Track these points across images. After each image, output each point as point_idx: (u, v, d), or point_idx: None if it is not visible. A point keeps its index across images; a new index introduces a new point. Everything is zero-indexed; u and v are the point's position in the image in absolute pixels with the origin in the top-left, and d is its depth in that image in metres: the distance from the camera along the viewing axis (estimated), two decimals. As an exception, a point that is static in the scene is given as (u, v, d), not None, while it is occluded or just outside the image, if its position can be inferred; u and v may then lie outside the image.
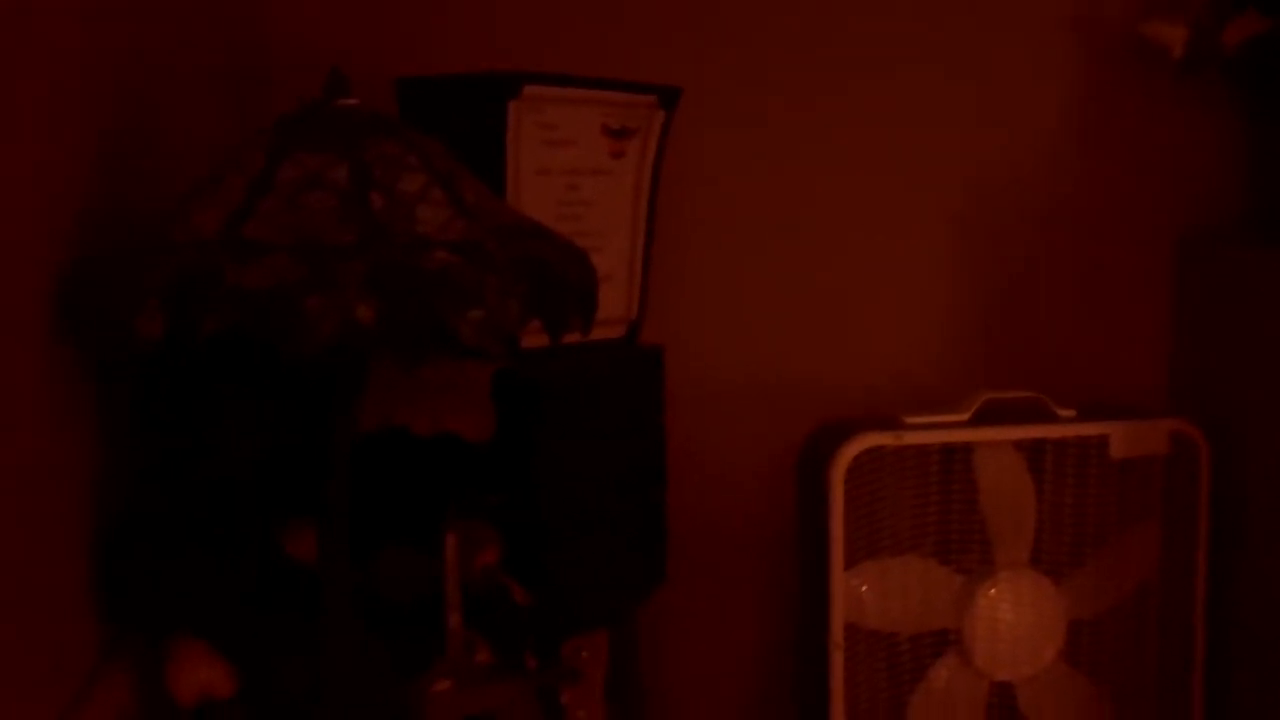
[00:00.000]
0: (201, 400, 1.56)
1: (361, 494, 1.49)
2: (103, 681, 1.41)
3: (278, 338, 1.25)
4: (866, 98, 2.23)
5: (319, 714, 1.41)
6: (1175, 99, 2.27)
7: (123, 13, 1.58)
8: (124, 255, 1.33)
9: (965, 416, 2.08)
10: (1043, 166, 2.28)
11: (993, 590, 2.07)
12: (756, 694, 2.30)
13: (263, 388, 1.58)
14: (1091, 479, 2.12)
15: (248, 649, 1.44)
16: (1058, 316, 2.31)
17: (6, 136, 1.25)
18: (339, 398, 1.46)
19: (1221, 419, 2.13)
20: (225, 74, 2.04)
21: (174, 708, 1.40)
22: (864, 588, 2.05)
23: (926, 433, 2.06)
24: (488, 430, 1.67)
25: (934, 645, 2.09)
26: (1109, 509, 2.13)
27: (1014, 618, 2.08)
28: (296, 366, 1.37)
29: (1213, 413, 2.15)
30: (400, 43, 2.10)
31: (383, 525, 1.60)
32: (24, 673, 1.27)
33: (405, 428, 1.68)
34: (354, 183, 1.34)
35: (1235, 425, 2.10)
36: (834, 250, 2.25)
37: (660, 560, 1.99)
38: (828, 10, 2.21)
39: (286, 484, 1.57)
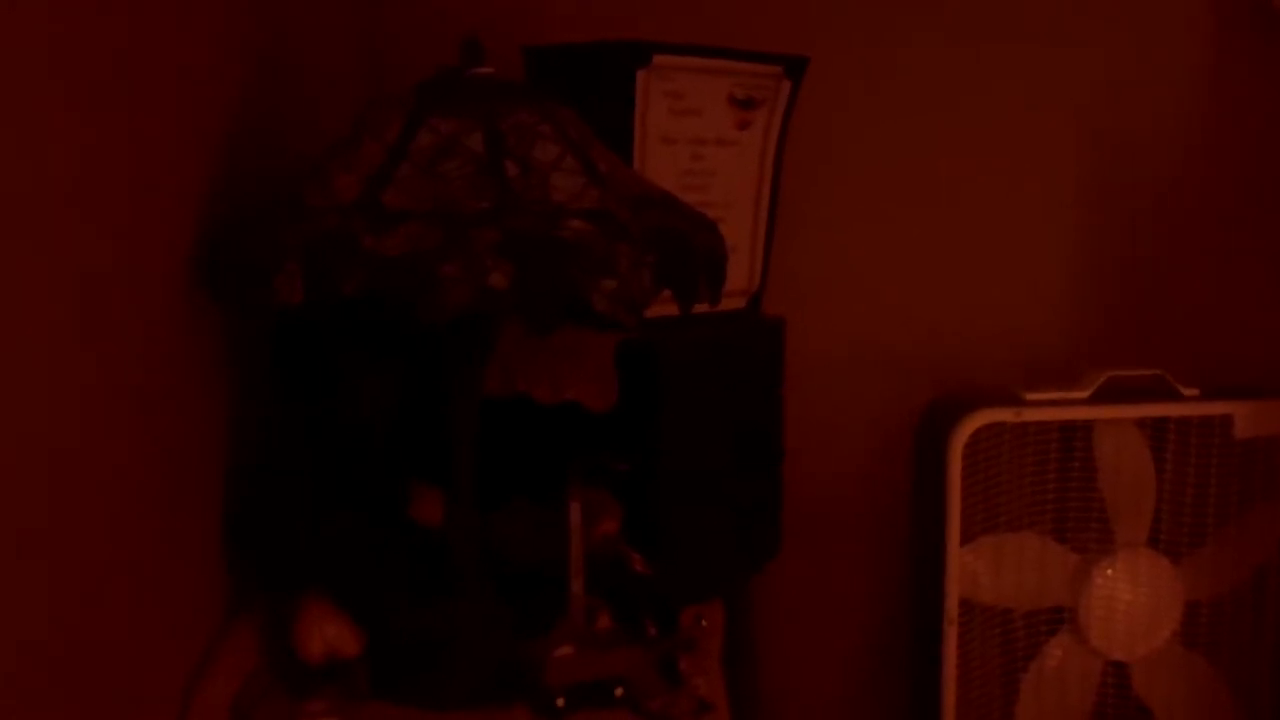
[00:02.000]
0: (335, 361, 1.59)
1: (486, 459, 1.51)
2: (230, 639, 1.44)
3: (412, 303, 1.27)
4: (990, 67, 2.21)
5: (443, 673, 1.44)
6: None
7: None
8: (264, 217, 1.35)
9: (1086, 394, 2.06)
10: (1169, 137, 2.24)
11: (1110, 569, 2.06)
12: (869, 666, 2.30)
13: (394, 351, 1.60)
14: (1214, 459, 2.09)
15: (374, 608, 1.46)
16: (1182, 291, 2.27)
17: (150, 95, 1.28)
18: (467, 363, 1.48)
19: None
20: (359, 38, 2.06)
21: (301, 665, 1.42)
22: (980, 563, 2.04)
23: (1047, 409, 2.04)
24: (610, 400, 1.68)
25: (1049, 623, 2.08)
26: (1230, 489, 2.10)
27: (1131, 597, 2.06)
28: (428, 331, 1.39)
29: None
30: (528, 10, 2.11)
31: (506, 491, 1.62)
32: (155, 630, 1.30)
33: (528, 395, 1.69)
34: (489, 150, 1.35)
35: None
36: (955, 221, 2.23)
37: (776, 531, 2.00)
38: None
39: (413, 448, 1.60)
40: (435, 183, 1.32)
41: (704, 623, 1.56)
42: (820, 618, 2.28)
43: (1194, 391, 2.09)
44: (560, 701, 1.41)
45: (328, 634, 1.42)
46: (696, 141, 1.85)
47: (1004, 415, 2.02)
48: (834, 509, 2.24)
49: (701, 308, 1.46)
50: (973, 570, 2.04)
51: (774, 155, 1.95)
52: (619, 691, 1.44)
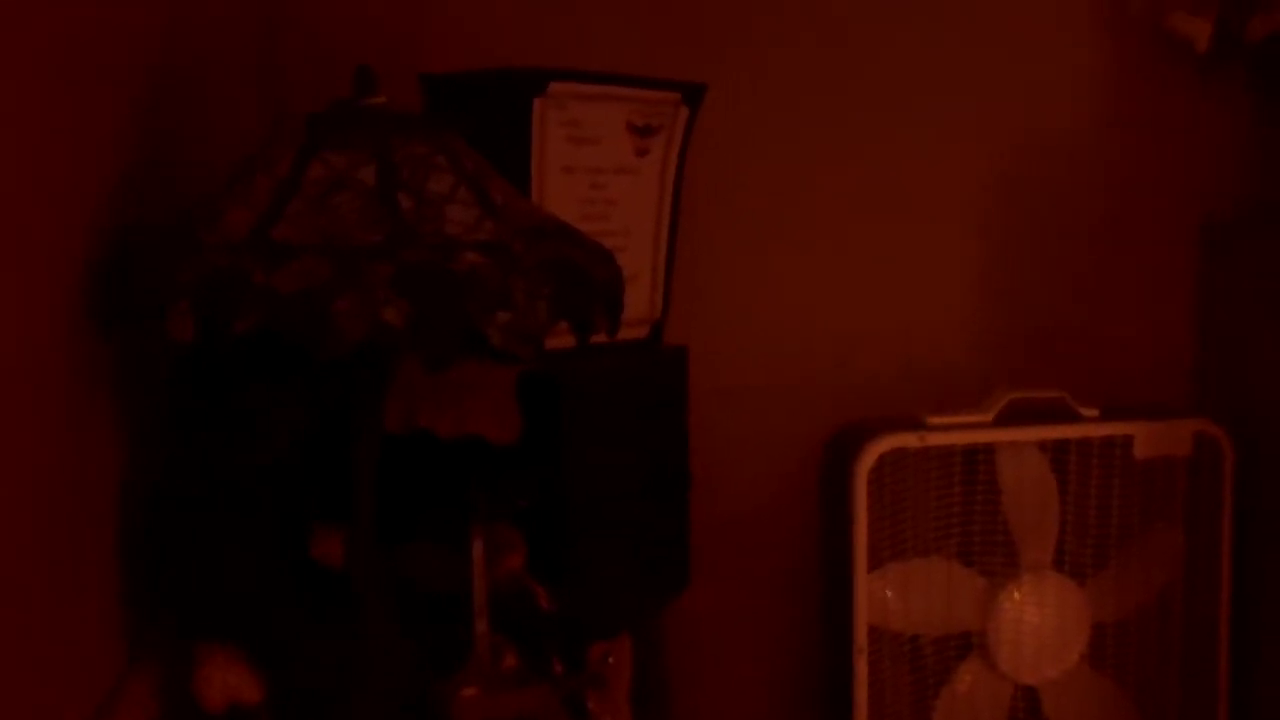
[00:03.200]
0: (234, 397, 1.55)
1: (389, 496, 1.48)
2: (128, 689, 1.39)
3: (306, 340, 1.24)
4: (892, 95, 2.21)
5: (348, 716, 1.40)
6: (1199, 90, 2.25)
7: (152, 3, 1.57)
8: (155, 254, 1.32)
9: (988, 417, 2.07)
10: (1065, 161, 2.27)
11: (1016, 593, 2.06)
12: (782, 696, 2.29)
13: (293, 386, 1.56)
14: (1115, 480, 2.11)
15: (276, 652, 1.43)
16: (1080, 312, 2.30)
17: (37, 129, 1.24)
18: (365, 398, 1.45)
19: (1246, 417, 2.11)
20: (252, 68, 2.03)
21: (202, 714, 1.39)
22: (888, 590, 2.04)
23: (950, 433, 2.05)
24: (512, 432, 1.66)
25: (958, 648, 2.08)
26: (1132, 510, 2.12)
27: (1038, 620, 2.06)
28: (324, 366, 1.36)
29: (1238, 411, 2.14)
30: (425, 38, 2.09)
31: (411, 528, 1.59)
32: (47, 680, 1.26)
33: (428, 430, 1.66)
34: (382, 183, 1.33)
35: (1260, 423, 2.09)
36: (857, 248, 2.24)
37: (684, 563, 1.98)
38: (851, 6, 2.20)
39: (313, 486, 1.56)
40: (327, 217, 1.30)
41: (611, 660, 1.53)
42: (732, 648, 2.26)
43: (1094, 412, 2.11)
44: (465, 743, 1.39)
45: (229, 681, 1.38)
46: (595, 170, 1.84)
47: (907, 440, 2.02)
48: (743, 538, 2.23)
49: (603, 337, 1.45)
50: (881, 597, 2.04)
51: (673, 182, 1.94)
52: (525, 732, 1.42)
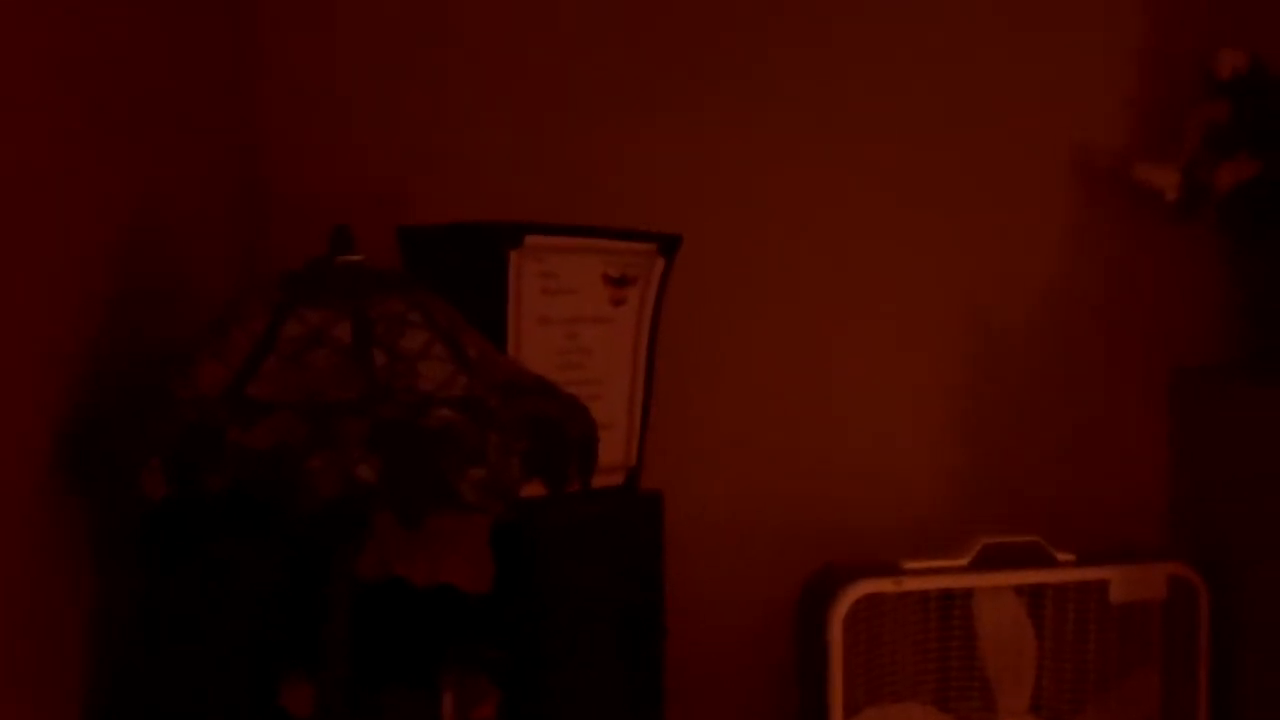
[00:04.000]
0: (203, 550, 1.56)
1: (361, 644, 1.48)
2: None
3: (280, 497, 1.26)
4: (864, 241, 2.25)
5: None
6: (1171, 239, 2.29)
7: (134, 160, 1.60)
8: (131, 409, 1.34)
9: (964, 562, 2.08)
10: (1040, 306, 2.30)
11: (993, 738, 2.06)
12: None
13: (267, 538, 1.57)
14: (1091, 624, 2.11)
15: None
16: (1055, 457, 2.32)
17: (15, 280, 1.27)
18: (339, 552, 1.46)
19: (1220, 560, 2.12)
20: (231, 223, 2.06)
21: None
22: (865, 735, 2.04)
23: (926, 578, 2.06)
24: (485, 582, 1.66)
25: (940, 795, 2.07)
26: (1109, 654, 2.12)
27: (1017, 767, 2.06)
28: (299, 518, 1.37)
29: (1212, 553, 2.15)
30: (406, 193, 2.12)
31: (383, 677, 1.59)
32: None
33: (403, 578, 1.67)
34: (357, 340, 1.35)
35: (1234, 566, 2.10)
36: (832, 395, 2.26)
37: (658, 712, 1.97)
38: (825, 155, 2.24)
39: (286, 636, 1.57)
40: (302, 373, 1.32)
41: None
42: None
43: (1070, 557, 2.12)
44: None
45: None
46: (571, 320, 1.87)
47: (883, 585, 2.03)
48: (719, 682, 2.22)
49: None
50: (859, 743, 2.03)
51: (649, 330, 1.97)
52: None
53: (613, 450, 1.90)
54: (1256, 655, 2.04)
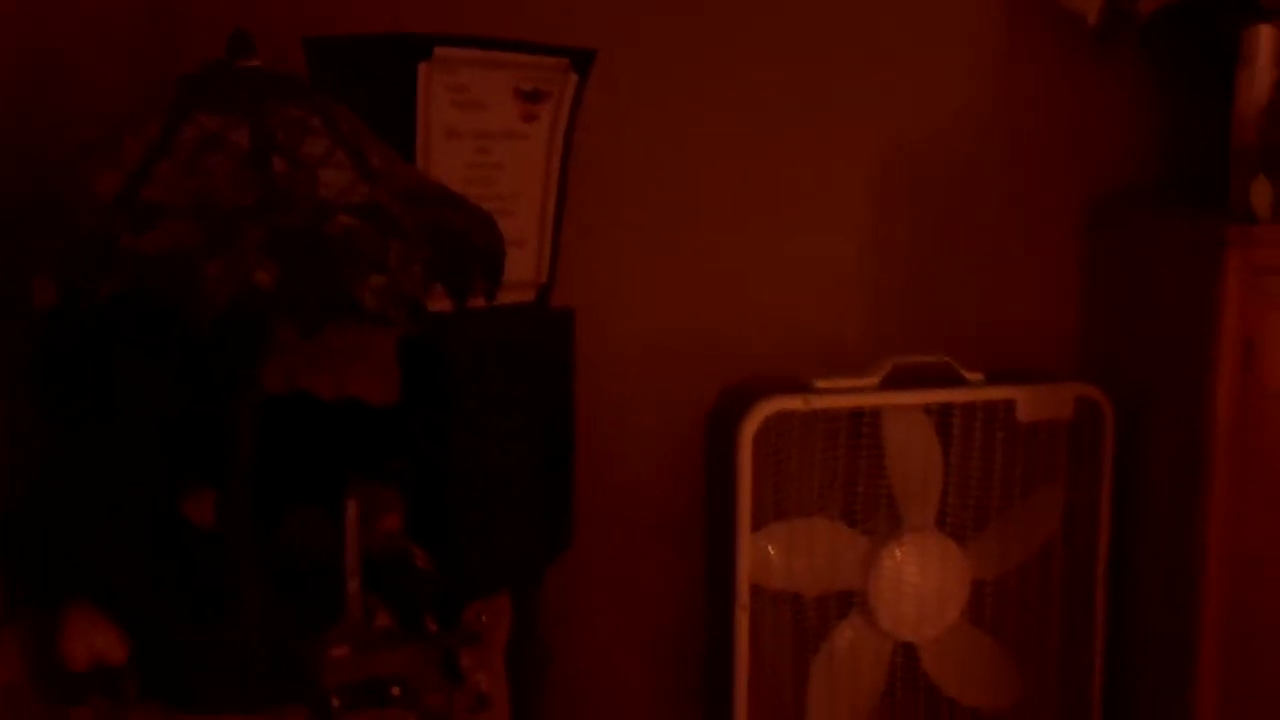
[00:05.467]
0: (103, 364, 1.55)
1: (265, 457, 1.49)
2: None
3: (175, 303, 1.24)
4: (782, 62, 2.23)
5: (215, 676, 1.41)
6: (1091, 67, 2.29)
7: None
8: (17, 218, 1.32)
9: (874, 381, 2.10)
10: (956, 133, 2.30)
11: (898, 552, 2.10)
12: (663, 654, 2.31)
13: (165, 350, 1.57)
14: (998, 442, 2.15)
15: (144, 612, 1.43)
16: (968, 280, 2.33)
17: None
18: (240, 362, 1.45)
19: (1126, 382, 2.16)
20: (130, 30, 2.01)
21: (67, 674, 1.39)
22: (771, 549, 2.07)
23: (835, 397, 2.08)
24: (391, 394, 1.67)
25: (839, 606, 2.12)
26: (1014, 471, 2.16)
27: (919, 579, 2.10)
28: (197, 330, 1.36)
29: (1118, 376, 2.18)
30: (311, 4, 2.07)
31: (286, 489, 1.60)
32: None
33: (309, 391, 1.67)
34: (255, 146, 1.33)
35: (1139, 388, 2.13)
36: (747, 214, 2.26)
37: (567, 524, 2.00)
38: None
39: (190, 448, 1.57)
40: (199, 179, 1.30)
41: (484, 618, 1.55)
42: (616, 606, 2.29)
43: (978, 376, 2.15)
44: (335, 702, 1.40)
45: (94, 642, 1.39)
46: (482, 135, 1.85)
47: (793, 403, 2.05)
48: (629, 498, 2.25)
49: (484, 301, 1.46)
50: (764, 556, 2.07)
51: (561, 148, 1.95)
52: (395, 690, 1.43)
53: (523, 267, 1.90)
54: (1157, 474, 2.09)
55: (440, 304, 1.39)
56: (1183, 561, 1.96)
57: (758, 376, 2.15)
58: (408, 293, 1.33)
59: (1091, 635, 2.18)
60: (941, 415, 2.13)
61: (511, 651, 1.60)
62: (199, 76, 1.39)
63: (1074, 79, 2.30)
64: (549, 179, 1.95)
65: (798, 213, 2.28)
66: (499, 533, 1.78)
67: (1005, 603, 2.18)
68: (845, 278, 2.30)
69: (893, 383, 2.10)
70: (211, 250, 1.25)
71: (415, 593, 1.53)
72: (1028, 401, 2.14)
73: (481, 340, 1.76)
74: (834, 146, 2.27)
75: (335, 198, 1.33)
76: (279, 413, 1.58)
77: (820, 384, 2.08)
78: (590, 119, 2.01)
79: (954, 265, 2.32)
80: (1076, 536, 2.19)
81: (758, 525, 2.05)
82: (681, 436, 2.24)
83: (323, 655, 1.41)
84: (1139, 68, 2.29)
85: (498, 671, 1.51)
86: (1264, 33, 1.93)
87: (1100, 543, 2.17)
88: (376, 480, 1.61)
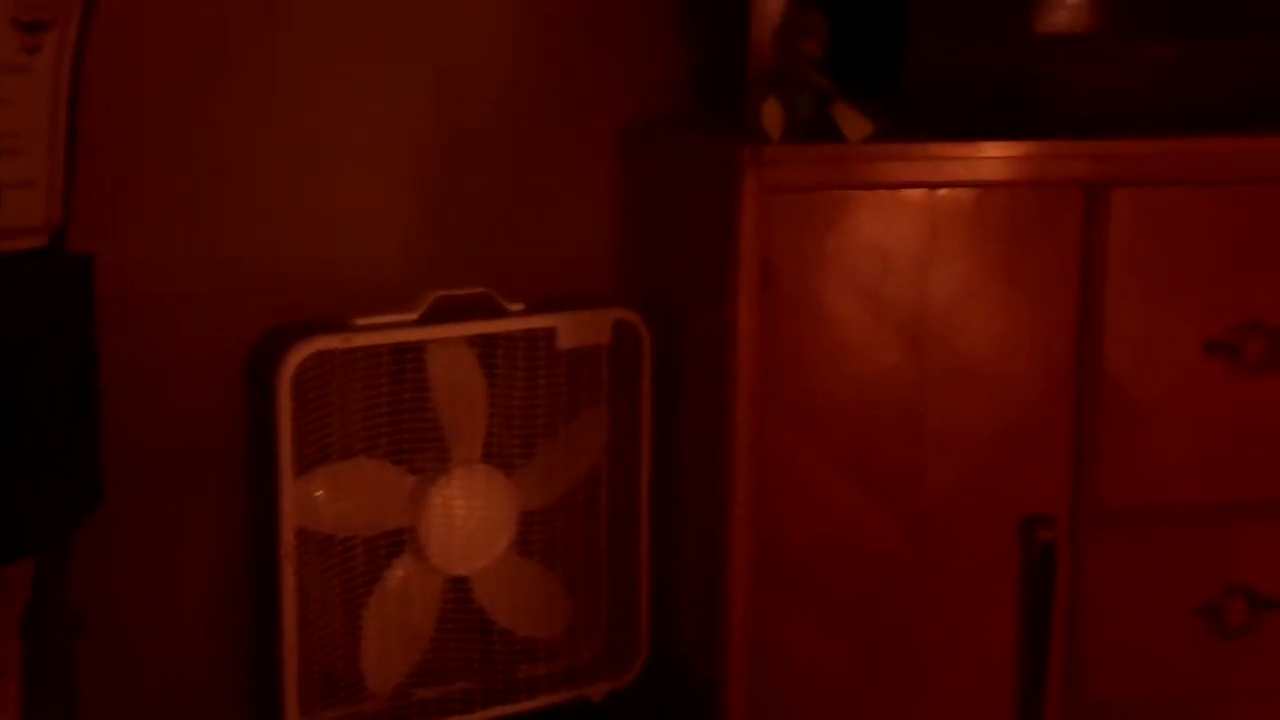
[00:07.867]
0: None
1: None
2: None
3: None
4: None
5: None
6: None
7: None
8: None
9: (415, 316, 2.08)
10: (488, 59, 2.29)
11: (446, 487, 2.09)
12: (208, 608, 2.25)
13: None
14: (541, 371, 2.16)
15: None
16: (511, 211, 2.34)
17: None
18: None
19: (662, 305, 2.22)
20: None
21: None
22: (319, 493, 2.03)
23: (376, 334, 2.05)
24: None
25: (389, 546, 2.10)
26: (558, 398, 2.19)
27: (466, 513, 2.11)
28: None
29: (655, 299, 2.24)
30: None
31: None
32: None
33: None
34: None
35: (674, 309, 2.19)
36: (278, 152, 2.19)
37: (95, 481, 1.90)
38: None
39: None
40: None
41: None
42: (157, 563, 2.20)
43: (519, 307, 2.16)
44: None
45: None
46: (-21, 68, 1.72)
47: (331, 343, 2.00)
48: (167, 452, 2.17)
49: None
50: (309, 501, 2.02)
51: (69, 80, 1.84)
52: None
53: (33, 210, 1.79)
54: (692, 391, 2.15)
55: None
56: (714, 466, 2.01)
57: (299, 320, 2.10)
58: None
59: (636, 554, 2.23)
60: (485, 347, 2.13)
61: (33, 620, 1.50)
62: None
63: (619, 5, 2.32)
64: (57, 115, 1.83)
65: (334, 147, 2.23)
66: (15, 494, 1.67)
67: (554, 531, 2.21)
68: (385, 213, 2.27)
69: (434, 318, 2.09)
70: None
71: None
72: (568, 329, 2.17)
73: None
74: (370, 77, 2.23)
75: None
76: None
77: (359, 321, 2.04)
78: (103, 48, 1.90)
79: (496, 196, 2.33)
80: (621, 458, 2.24)
81: (302, 470, 2.00)
82: (221, 385, 2.17)
83: None
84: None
85: (10, 642, 1.42)
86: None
87: (643, 463, 2.22)
88: None
